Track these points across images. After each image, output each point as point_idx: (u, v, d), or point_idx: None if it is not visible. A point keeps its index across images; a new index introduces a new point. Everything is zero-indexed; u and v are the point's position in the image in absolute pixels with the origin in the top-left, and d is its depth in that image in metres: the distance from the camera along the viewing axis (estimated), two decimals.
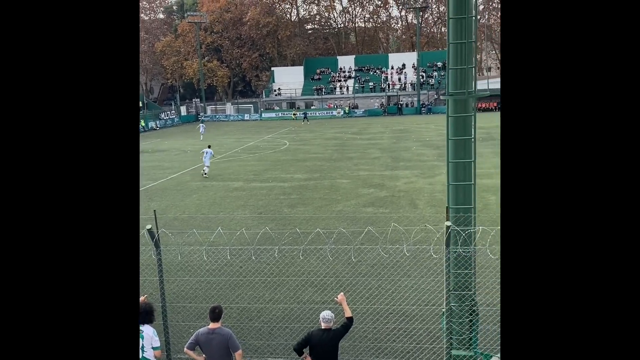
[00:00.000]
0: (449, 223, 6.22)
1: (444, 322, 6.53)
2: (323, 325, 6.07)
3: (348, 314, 6.22)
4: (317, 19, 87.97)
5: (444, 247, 6.19)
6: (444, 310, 6.54)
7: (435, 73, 67.90)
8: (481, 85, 64.62)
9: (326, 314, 6.11)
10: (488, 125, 36.31)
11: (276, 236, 12.93)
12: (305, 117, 57.49)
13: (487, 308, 8.98)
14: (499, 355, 6.72)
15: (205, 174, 23.81)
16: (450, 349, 6.45)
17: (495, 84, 68.47)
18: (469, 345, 6.64)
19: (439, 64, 68.50)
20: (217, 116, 67.95)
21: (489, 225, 12.68)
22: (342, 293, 6.47)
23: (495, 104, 56.46)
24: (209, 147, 25.05)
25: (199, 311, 9.22)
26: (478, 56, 79.93)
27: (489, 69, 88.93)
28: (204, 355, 6.03)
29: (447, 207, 6.70)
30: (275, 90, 69.22)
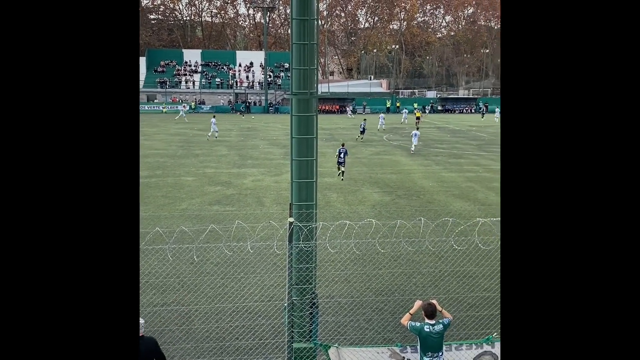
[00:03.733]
0: (291, 219, 6.36)
1: (286, 316, 6.67)
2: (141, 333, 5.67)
3: None
4: (161, 9, 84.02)
5: (287, 242, 6.31)
6: (286, 304, 6.68)
7: (282, 73, 69.33)
8: (325, 88, 67.77)
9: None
10: (331, 126, 38.12)
11: None
12: (242, 111, 55.24)
13: (326, 300, 9.40)
14: (336, 345, 7.07)
15: (216, 137, 33.44)
16: (292, 342, 6.61)
17: (336, 87, 72.32)
18: (309, 337, 6.87)
19: (286, 64, 70.14)
20: None
21: (329, 221, 13.31)
22: None
23: (337, 107, 59.48)
24: (214, 117, 35.42)
25: None
26: (322, 60, 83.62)
27: (332, 73, 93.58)
28: None
29: (290, 203, 6.85)
30: None
